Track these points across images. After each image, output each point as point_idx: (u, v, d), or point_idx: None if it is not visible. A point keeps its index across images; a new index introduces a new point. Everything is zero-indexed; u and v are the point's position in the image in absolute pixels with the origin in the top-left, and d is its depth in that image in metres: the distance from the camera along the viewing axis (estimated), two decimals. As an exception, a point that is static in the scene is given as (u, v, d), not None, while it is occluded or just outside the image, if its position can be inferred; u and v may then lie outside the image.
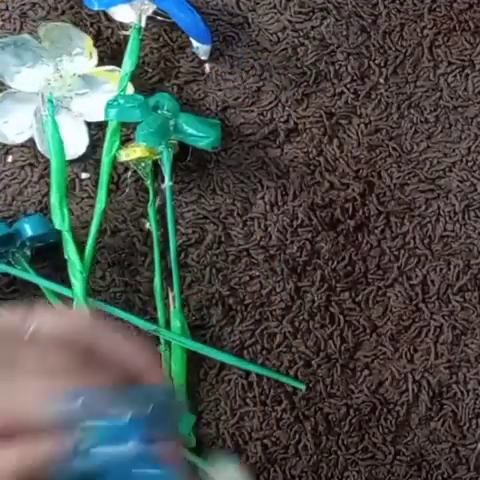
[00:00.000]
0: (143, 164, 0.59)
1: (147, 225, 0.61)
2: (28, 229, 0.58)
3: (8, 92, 0.60)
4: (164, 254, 0.59)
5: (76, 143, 0.60)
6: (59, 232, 0.58)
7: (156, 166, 0.60)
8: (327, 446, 0.60)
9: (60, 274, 0.59)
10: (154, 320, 0.60)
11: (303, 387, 0.59)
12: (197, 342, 0.59)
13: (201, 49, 0.61)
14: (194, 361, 0.60)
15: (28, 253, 0.58)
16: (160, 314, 0.59)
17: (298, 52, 0.63)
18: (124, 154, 0.59)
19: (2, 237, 0.57)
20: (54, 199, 0.57)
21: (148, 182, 0.60)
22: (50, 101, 0.58)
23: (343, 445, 0.60)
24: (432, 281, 0.61)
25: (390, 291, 0.61)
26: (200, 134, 0.58)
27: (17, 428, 0.27)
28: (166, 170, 0.58)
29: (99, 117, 0.59)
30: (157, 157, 0.59)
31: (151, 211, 0.59)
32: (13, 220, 0.60)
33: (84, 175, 0.62)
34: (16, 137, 0.60)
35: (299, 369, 0.60)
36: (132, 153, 0.58)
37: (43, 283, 0.58)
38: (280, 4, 0.63)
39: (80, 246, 0.58)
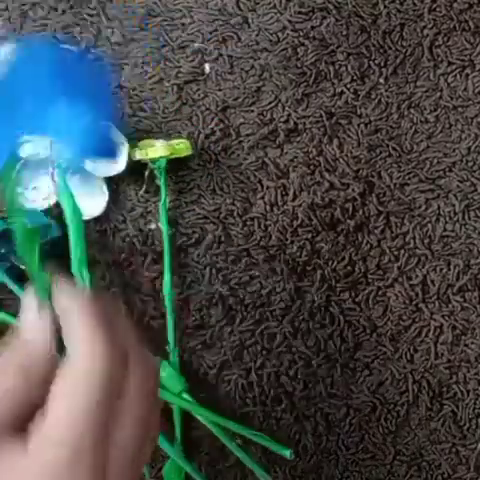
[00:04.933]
0: (157, 163, 0.59)
1: (153, 225, 0.61)
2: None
3: (27, 159, 0.58)
4: (161, 254, 0.60)
5: (95, 202, 0.59)
6: (59, 227, 0.58)
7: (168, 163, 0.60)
8: (327, 446, 0.60)
9: (62, 270, 0.59)
10: (154, 320, 0.60)
11: (288, 454, 0.58)
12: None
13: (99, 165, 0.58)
14: (194, 361, 0.60)
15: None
16: (169, 316, 0.59)
17: (298, 52, 0.63)
18: (143, 153, 0.58)
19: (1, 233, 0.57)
20: (74, 268, 0.51)
21: (161, 181, 0.59)
22: (59, 166, 0.56)
23: (343, 445, 0.60)
24: (432, 281, 0.61)
25: (390, 291, 0.61)
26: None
27: None
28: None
29: (114, 171, 0.58)
30: (175, 156, 0.59)
31: (162, 210, 0.59)
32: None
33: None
34: (44, 202, 0.59)
35: (299, 369, 0.60)
36: (152, 152, 0.58)
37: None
38: (280, 4, 0.63)
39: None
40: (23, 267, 0.58)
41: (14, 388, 0.32)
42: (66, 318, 0.34)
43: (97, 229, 0.61)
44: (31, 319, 0.34)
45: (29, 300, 0.35)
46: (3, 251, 0.58)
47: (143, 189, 0.61)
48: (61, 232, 0.58)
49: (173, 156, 0.59)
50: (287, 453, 0.58)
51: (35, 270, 0.36)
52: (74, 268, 0.50)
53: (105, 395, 0.32)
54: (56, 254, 0.60)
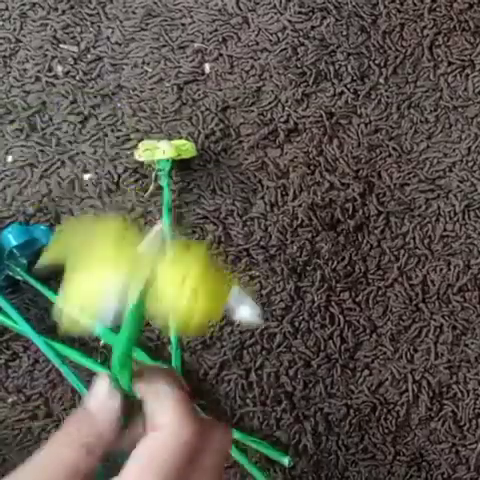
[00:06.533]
0: (162, 164, 0.59)
1: (157, 226, 0.60)
2: (11, 239, 0.58)
3: None
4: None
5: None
6: (47, 234, 0.58)
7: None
8: (327, 446, 0.60)
9: (61, 274, 0.59)
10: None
11: (286, 462, 0.58)
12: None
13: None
14: (194, 361, 0.60)
15: (24, 262, 0.58)
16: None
17: (298, 52, 0.63)
18: (148, 154, 0.58)
19: None
20: (114, 369, 0.39)
21: (165, 183, 0.59)
22: None
23: (343, 445, 0.60)
24: (432, 281, 0.61)
25: (390, 291, 0.61)
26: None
27: None
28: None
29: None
30: (181, 157, 0.59)
31: (165, 211, 0.59)
32: (12, 221, 0.60)
33: (86, 176, 0.62)
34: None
35: (299, 369, 0.60)
36: (158, 153, 0.58)
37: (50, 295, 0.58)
38: (280, 4, 0.63)
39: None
40: (19, 277, 0.59)
41: (78, 461, 0.35)
42: (153, 399, 0.37)
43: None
44: (101, 398, 0.37)
45: (102, 381, 0.38)
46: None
47: (149, 191, 0.61)
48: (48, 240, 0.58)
49: (179, 157, 0.59)
50: (286, 461, 0.58)
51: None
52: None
53: (182, 465, 0.35)
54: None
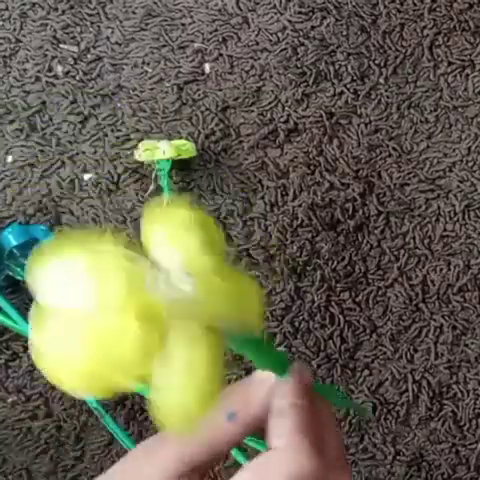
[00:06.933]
0: (162, 164, 0.59)
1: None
2: (11, 239, 0.58)
3: None
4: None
5: None
6: (47, 234, 0.58)
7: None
8: (327, 446, 0.60)
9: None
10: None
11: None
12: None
13: None
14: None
15: (24, 262, 0.58)
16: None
17: (298, 52, 0.63)
18: (149, 154, 0.58)
19: None
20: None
21: (165, 182, 0.59)
22: None
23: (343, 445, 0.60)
24: (432, 281, 0.61)
25: (390, 291, 0.61)
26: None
27: None
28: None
29: None
30: (181, 157, 0.59)
31: None
32: (12, 221, 0.60)
33: (86, 176, 0.62)
34: None
35: (299, 369, 0.60)
36: (158, 153, 0.58)
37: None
38: (280, 4, 0.63)
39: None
40: (19, 277, 0.59)
41: (221, 426, 0.34)
42: (279, 415, 0.34)
43: (97, 229, 0.61)
44: (262, 375, 0.35)
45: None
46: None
47: (149, 191, 0.61)
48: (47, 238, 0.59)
49: (179, 157, 0.59)
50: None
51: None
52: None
53: None
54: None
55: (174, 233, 0.28)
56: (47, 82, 0.63)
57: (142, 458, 0.33)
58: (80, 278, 0.25)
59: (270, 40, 0.63)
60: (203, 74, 0.63)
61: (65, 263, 0.25)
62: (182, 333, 0.27)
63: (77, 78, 0.63)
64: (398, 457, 0.60)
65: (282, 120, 0.62)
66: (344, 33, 0.63)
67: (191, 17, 0.63)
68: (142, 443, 0.34)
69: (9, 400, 0.59)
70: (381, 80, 0.63)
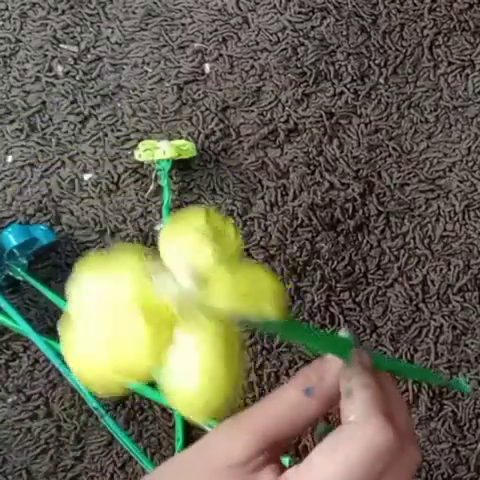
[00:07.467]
0: (162, 164, 0.59)
1: (158, 227, 0.60)
2: (11, 239, 0.58)
3: None
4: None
5: None
6: (47, 234, 0.58)
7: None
8: (327, 446, 0.60)
9: (61, 274, 0.59)
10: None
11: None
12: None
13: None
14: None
15: (24, 262, 0.58)
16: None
17: (298, 52, 0.63)
18: (149, 154, 0.58)
19: None
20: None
21: (165, 182, 0.59)
22: None
23: (343, 445, 0.60)
24: (432, 281, 0.61)
25: (390, 291, 0.61)
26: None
27: None
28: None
29: None
30: (181, 157, 0.59)
31: (165, 211, 0.59)
32: (12, 221, 0.60)
33: (86, 176, 0.62)
34: None
35: (299, 369, 0.60)
36: (159, 153, 0.58)
37: (53, 298, 0.58)
38: (280, 4, 0.63)
39: (80, 246, 0.58)
40: (19, 278, 0.59)
41: (296, 400, 0.37)
42: (359, 389, 0.36)
43: (97, 229, 0.61)
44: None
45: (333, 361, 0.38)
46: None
47: (149, 191, 0.61)
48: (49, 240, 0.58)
49: (179, 157, 0.59)
50: (286, 461, 0.58)
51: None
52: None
53: (372, 470, 0.33)
54: (53, 257, 0.60)
55: (187, 243, 0.31)
56: (47, 82, 0.63)
57: (222, 435, 0.36)
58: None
59: (270, 40, 0.63)
60: (203, 74, 0.63)
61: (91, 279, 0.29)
62: (193, 328, 0.29)
63: (77, 78, 0.63)
64: (398, 457, 0.60)
65: (282, 120, 0.62)
66: (344, 33, 0.63)
67: (191, 17, 0.63)
68: (218, 425, 0.37)
69: (9, 400, 0.59)
70: (381, 80, 0.63)
